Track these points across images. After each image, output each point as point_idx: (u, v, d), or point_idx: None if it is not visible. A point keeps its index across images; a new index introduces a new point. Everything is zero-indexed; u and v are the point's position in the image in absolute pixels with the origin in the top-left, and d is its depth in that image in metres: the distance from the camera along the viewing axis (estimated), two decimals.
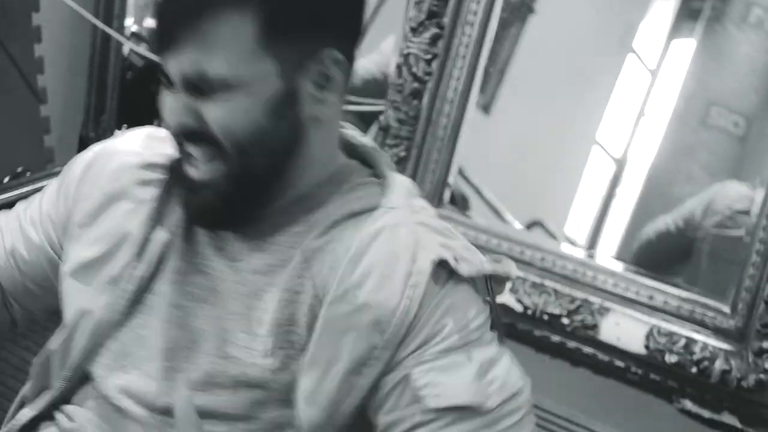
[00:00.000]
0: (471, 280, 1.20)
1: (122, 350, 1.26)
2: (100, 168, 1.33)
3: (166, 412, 1.21)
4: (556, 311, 2.01)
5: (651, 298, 1.96)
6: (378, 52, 2.38)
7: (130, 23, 2.59)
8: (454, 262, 1.17)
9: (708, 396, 1.89)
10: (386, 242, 1.17)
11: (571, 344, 2.01)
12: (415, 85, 2.15)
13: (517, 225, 2.22)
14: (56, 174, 1.43)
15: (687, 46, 2.19)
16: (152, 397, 1.23)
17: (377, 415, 1.17)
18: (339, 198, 1.23)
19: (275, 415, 1.20)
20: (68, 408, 1.30)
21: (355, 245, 1.17)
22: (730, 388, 1.85)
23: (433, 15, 2.13)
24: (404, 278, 1.15)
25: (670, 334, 1.91)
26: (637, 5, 2.23)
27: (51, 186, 1.41)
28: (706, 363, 1.87)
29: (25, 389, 1.37)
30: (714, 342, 1.88)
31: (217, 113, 1.15)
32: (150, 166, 1.30)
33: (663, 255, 2.06)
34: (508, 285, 2.06)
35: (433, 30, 2.13)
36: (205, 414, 1.18)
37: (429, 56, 2.14)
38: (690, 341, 1.89)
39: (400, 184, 1.26)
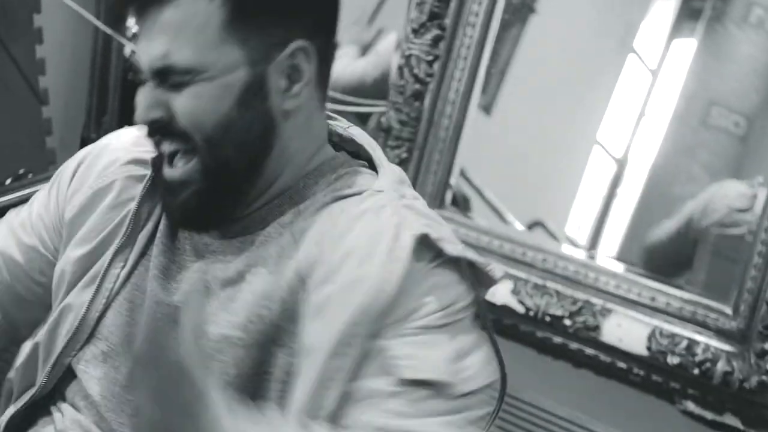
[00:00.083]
0: (457, 267, 1.19)
1: (105, 346, 1.27)
2: (90, 165, 1.34)
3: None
4: (558, 313, 2.01)
5: (653, 299, 1.96)
6: (375, 53, 2.38)
7: (131, 24, 2.59)
8: (438, 240, 1.16)
9: (710, 397, 1.90)
10: (370, 223, 1.17)
11: (573, 346, 2.01)
12: (417, 86, 2.15)
13: (519, 226, 2.22)
14: None
15: (688, 46, 2.19)
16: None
17: (348, 383, 1.15)
18: (326, 187, 1.23)
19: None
20: (62, 405, 1.30)
21: (341, 225, 1.18)
22: (733, 389, 1.85)
23: (434, 16, 2.13)
24: (386, 254, 1.15)
25: (672, 336, 1.91)
26: (637, 5, 2.24)
27: (42, 190, 1.41)
28: (708, 364, 1.87)
29: (10, 385, 1.37)
30: (716, 343, 1.88)
31: (185, 105, 1.16)
32: (139, 163, 1.31)
33: (673, 258, 2.06)
34: (509, 287, 2.09)
35: (435, 31, 2.13)
36: None
37: (430, 57, 2.14)
38: (692, 343, 1.90)
39: (390, 171, 1.26)
